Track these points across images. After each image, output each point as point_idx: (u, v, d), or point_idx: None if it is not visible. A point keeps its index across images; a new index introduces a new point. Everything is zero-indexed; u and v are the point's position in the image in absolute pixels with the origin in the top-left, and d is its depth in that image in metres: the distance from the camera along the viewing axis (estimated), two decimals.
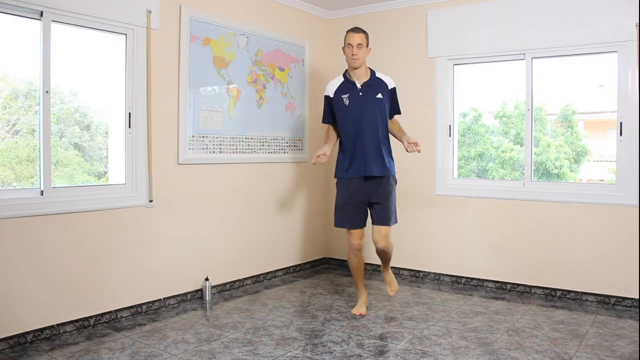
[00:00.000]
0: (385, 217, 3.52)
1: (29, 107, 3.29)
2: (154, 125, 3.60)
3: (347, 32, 3.51)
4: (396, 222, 3.64)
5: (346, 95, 3.50)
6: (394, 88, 3.61)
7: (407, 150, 3.48)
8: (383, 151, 3.50)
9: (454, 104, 4.54)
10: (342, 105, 3.51)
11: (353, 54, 3.44)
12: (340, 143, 3.61)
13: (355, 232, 3.55)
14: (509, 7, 4.16)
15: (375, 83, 3.52)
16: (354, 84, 3.50)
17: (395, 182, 3.65)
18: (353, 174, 3.49)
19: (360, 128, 3.47)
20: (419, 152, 3.48)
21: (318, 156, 3.44)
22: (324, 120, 3.67)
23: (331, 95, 3.57)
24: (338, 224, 3.59)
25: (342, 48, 3.55)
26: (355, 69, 3.48)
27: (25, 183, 3.28)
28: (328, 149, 3.52)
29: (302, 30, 4.81)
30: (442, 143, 4.52)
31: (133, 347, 2.94)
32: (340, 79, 3.58)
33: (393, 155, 3.63)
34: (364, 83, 3.50)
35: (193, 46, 3.82)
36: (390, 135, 3.63)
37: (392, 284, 3.78)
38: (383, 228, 3.52)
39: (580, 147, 4.92)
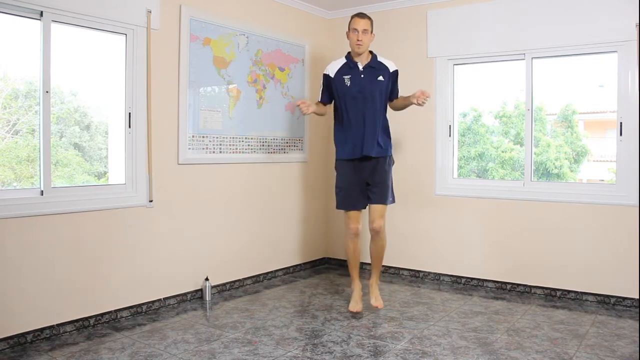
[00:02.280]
0: (382, 196, 3.56)
1: (29, 107, 3.29)
2: (154, 125, 3.60)
3: (353, 17, 3.53)
4: (394, 201, 3.69)
5: (348, 77, 3.53)
6: (396, 71, 3.63)
7: (419, 104, 3.40)
8: (380, 133, 3.54)
9: (454, 104, 4.54)
10: (343, 86, 3.53)
11: (358, 40, 3.46)
12: (339, 123, 3.62)
13: (354, 215, 3.58)
14: (509, 7, 4.16)
15: (377, 66, 3.56)
16: (356, 64, 3.54)
17: (393, 162, 3.69)
18: (352, 155, 3.53)
19: (360, 109, 3.50)
20: (427, 97, 3.38)
21: (304, 102, 3.48)
22: (321, 100, 3.68)
23: (331, 75, 3.58)
24: (338, 205, 3.63)
25: (346, 33, 3.57)
26: (359, 54, 3.53)
27: (25, 183, 3.28)
28: (314, 105, 3.55)
29: (302, 30, 4.81)
30: (442, 143, 4.52)
31: (133, 347, 2.94)
32: (343, 60, 3.59)
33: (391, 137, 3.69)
34: (366, 65, 3.54)
35: (193, 46, 3.82)
36: (395, 111, 3.75)
37: (378, 298, 3.65)
38: (379, 206, 3.57)
39: (580, 147, 4.92)
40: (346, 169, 3.58)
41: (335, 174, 3.69)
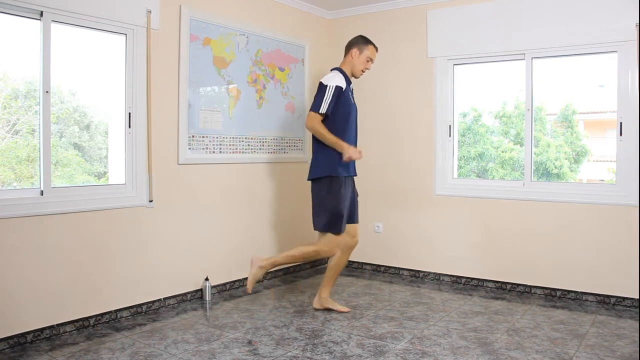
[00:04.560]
0: (357, 213, 3.68)
1: (29, 107, 3.29)
2: (154, 125, 3.60)
3: (371, 45, 3.57)
4: None
5: (350, 93, 3.55)
6: None
7: None
8: None
9: (454, 104, 4.54)
10: (349, 103, 3.51)
11: (367, 69, 3.61)
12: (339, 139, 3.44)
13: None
14: (509, 7, 4.16)
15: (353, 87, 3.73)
16: (350, 83, 3.58)
17: None
18: (353, 172, 3.57)
19: (355, 128, 3.61)
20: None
21: (360, 152, 3.37)
22: (327, 111, 3.36)
23: (344, 88, 3.44)
24: (340, 228, 3.43)
25: (356, 52, 3.53)
26: (355, 79, 3.67)
27: (25, 183, 3.28)
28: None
29: (302, 30, 4.81)
30: (442, 143, 4.52)
31: (133, 347, 2.94)
32: (341, 75, 3.49)
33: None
34: (351, 86, 3.65)
35: (193, 46, 3.82)
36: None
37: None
38: (357, 225, 3.68)
39: (580, 147, 4.92)
40: (346, 188, 3.46)
41: (327, 194, 3.43)
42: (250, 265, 3.56)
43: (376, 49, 3.61)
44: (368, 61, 3.57)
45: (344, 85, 3.45)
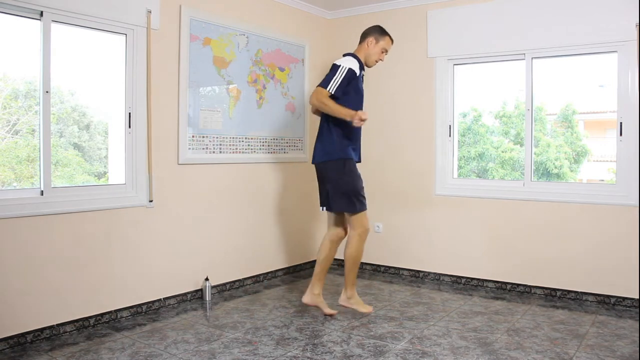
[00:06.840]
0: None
1: (29, 107, 3.29)
2: (154, 125, 3.60)
3: (387, 36, 3.54)
4: None
5: (362, 80, 3.50)
6: None
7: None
8: None
9: (454, 104, 4.54)
10: (360, 88, 3.47)
11: (381, 60, 3.59)
12: (342, 125, 3.40)
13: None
14: (509, 7, 4.16)
15: None
16: (363, 70, 3.51)
17: None
18: (358, 158, 3.53)
19: None
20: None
21: (365, 113, 3.27)
22: (335, 91, 3.29)
23: (357, 74, 3.41)
24: (364, 206, 3.46)
25: (371, 41, 3.49)
26: (369, 67, 3.61)
27: (25, 183, 3.28)
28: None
29: (302, 30, 4.81)
30: (442, 143, 4.52)
31: (133, 347, 2.94)
32: (356, 62, 3.43)
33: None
34: (363, 73, 3.53)
35: (193, 46, 3.82)
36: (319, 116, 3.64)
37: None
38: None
39: (580, 147, 4.92)
40: (356, 170, 3.46)
41: (344, 175, 3.40)
42: (314, 305, 3.53)
43: (392, 41, 3.57)
44: (383, 52, 3.54)
45: (357, 70, 3.40)
